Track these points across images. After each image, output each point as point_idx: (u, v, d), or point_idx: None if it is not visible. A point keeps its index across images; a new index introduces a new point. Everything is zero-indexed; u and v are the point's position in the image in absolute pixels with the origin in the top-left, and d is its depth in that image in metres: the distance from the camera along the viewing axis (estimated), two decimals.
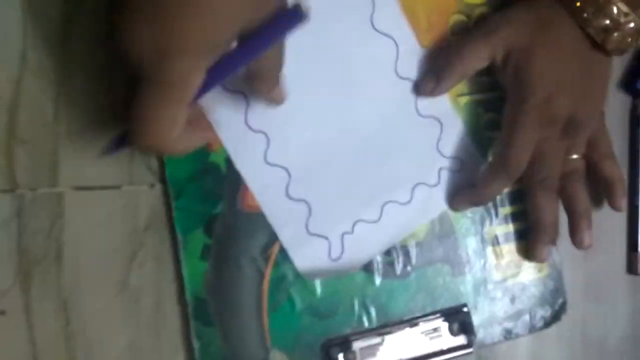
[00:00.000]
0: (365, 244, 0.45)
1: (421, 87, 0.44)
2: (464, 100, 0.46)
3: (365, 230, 0.44)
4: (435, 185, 0.45)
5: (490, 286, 0.46)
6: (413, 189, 0.45)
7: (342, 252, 0.44)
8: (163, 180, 0.42)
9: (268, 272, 0.43)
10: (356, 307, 0.44)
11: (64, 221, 0.40)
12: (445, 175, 0.45)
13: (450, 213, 0.46)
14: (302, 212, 0.43)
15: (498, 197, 0.46)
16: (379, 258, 0.46)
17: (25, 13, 0.40)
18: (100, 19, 0.40)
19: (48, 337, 0.40)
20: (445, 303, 0.46)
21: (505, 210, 0.47)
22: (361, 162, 0.44)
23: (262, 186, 0.42)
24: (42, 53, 0.40)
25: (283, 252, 0.43)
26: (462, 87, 0.46)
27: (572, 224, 0.46)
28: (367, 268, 0.45)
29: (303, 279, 0.44)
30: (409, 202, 0.45)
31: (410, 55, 0.44)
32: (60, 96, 0.40)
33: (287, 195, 0.43)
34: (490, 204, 0.46)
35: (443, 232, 0.46)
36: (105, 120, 0.41)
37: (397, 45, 0.44)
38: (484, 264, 0.47)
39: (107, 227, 0.41)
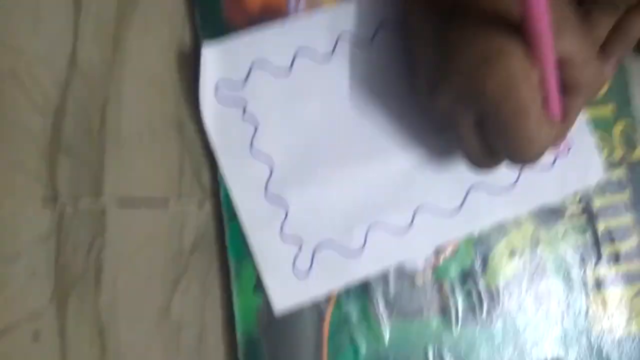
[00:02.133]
0: (343, 264, 0.36)
1: None
2: None
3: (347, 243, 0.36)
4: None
5: (590, 339, 0.37)
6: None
7: (311, 265, 0.37)
8: (214, 196, 0.37)
9: (329, 313, 0.37)
10: (431, 358, 0.36)
11: (105, 238, 0.36)
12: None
13: (543, 250, 0.39)
14: (279, 213, 0.37)
15: (601, 232, 0.39)
16: (458, 300, 0.37)
17: (78, 13, 0.37)
18: (154, 16, 0.37)
19: None
20: (536, 357, 0.37)
21: (609, 248, 0.38)
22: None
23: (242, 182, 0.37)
24: (92, 57, 0.36)
25: (347, 291, 0.37)
26: None
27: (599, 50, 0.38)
28: (444, 311, 0.37)
29: (368, 322, 0.36)
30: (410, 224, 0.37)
31: None
32: (110, 101, 0.36)
33: (266, 191, 0.37)
34: (591, 241, 0.39)
35: (535, 273, 0.38)
36: (155, 128, 0.37)
37: None
38: (585, 312, 0.38)
39: (150, 246, 0.36)
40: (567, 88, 0.32)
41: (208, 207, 0.37)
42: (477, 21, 0.30)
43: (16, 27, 0.37)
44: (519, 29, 0.29)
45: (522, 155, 0.30)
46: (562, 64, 0.30)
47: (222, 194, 0.37)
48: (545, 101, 0.31)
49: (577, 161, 0.38)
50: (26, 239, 0.36)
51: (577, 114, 0.33)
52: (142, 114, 0.37)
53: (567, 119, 0.33)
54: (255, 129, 0.37)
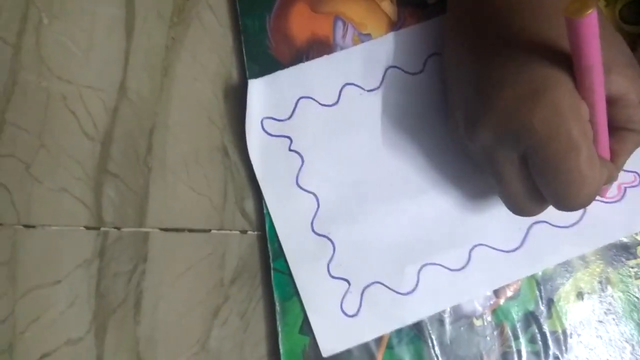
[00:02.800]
0: (395, 305, 0.34)
1: None
2: None
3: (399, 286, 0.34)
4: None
5: None
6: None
7: (360, 305, 0.34)
8: (257, 228, 0.35)
9: (380, 356, 0.34)
10: None
11: (146, 265, 0.35)
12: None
13: (612, 290, 0.35)
14: (326, 250, 0.35)
15: None
16: (521, 345, 0.34)
17: (129, 38, 0.37)
18: (202, 47, 0.37)
19: None
20: None
21: None
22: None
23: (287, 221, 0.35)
24: (142, 82, 0.36)
25: (399, 332, 0.34)
26: None
27: None
28: (506, 358, 0.33)
29: None
30: (466, 264, 0.34)
31: None
32: (157, 129, 0.36)
33: (312, 229, 0.35)
34: None
35: (604, 315, 0.33)
36: (200, 156, 0.36)
37: None
38: None
39: (191, 275, 0.35)
40: (617, 128, 0.29)
41: (251, 237, 0.35)
42: (522, 53, 0.27)
43: (69, 54, 0.37)
44: (567, 61, 0.26)
45: (572, 197, 0.27)
46: (613, 102, 0.28)
47: (267, 228, 0.35)
48: (594, 139, 0.28)
49: None
50: (69, 264, 0.35)
51: (627, 156, 0.30)
52: (188, 143, 0.36)
53: (617, 161, 0.30)
54: (302, 164, 0.36)
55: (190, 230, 0.35)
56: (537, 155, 0.27)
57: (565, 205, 0.27)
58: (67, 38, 0.37)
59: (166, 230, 0.35)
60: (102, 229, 0.35)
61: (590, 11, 0.23)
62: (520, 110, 0.26)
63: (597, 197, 0.34)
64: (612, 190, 0.35)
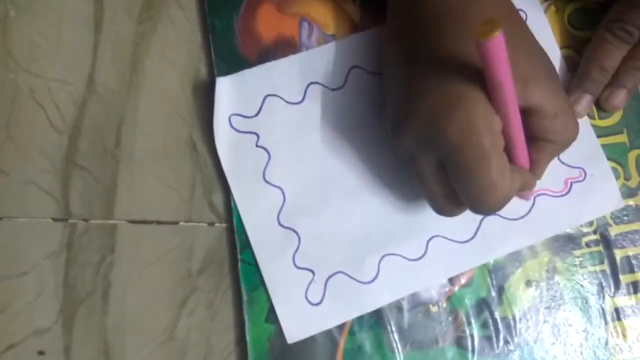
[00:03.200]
0: (357, 293, 0.35)
1: None
2: None
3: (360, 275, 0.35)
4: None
5: None
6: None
7: (324, 295, 0.36)
8: (225, 220, 0.36)
9: (342, 342, 0.35)
10: None
11: (114, 257, 0.35)
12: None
13: (560, 279, 0.37)
14: (291, 242, 0.36)
15: (619, 261, 0.37)
16: (474, 330, 0.36)
17: (97, 33, 0.37)
18: (171, 44, 0.37)
19: None
20: None
21: (628, 277, 0.36)
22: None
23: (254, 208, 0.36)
24: (110, 76, 0.36)
25: (360, 320, 0.35)
26: None
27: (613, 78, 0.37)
28: (460, 342, 0.35)
29: (383, 351, 0.35)
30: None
31: None
32: (125, 123, 0.36)
33: (278, 222, 0.36)
34: (608, 270, 0.38)
35: (552, 303, 0.36)
36: (168, 150, 0.36)
37: None
38: (603, 344, 0.35)
39: (159, 266, 0.35)
40: (535, 138, 0.31)
41: (218, 229, 0.36)
42: (442, 68, 0.29)
43: (37, 47, 0.37)
44: (481, 77, 0.27)
45: (483, 202, 0.28)
46: (531, 114, 0.29)
47: (234, 221, 0.36)
48: (510, 150, 0.30)
49: (594, 188, 0.37)
50: (36, 256, 0.35)
51: (546, 164, 0.32)
52: (156, 136, 0.36)
53: (535, 169, 0.32)
54: (268, 159, 0.37)
55: (158, 222, 0.36)
56: (451, 162, 0.28)
57: (478, 208, 0.29)
58: (34, 31, 0.37)
59: (134, 222, 0.36)
60: (70, 220, 0.35)
61: (496, 34, 0.24)
62: (437, 119, 0.28)
63: (534, 194, 0.37)
64: (559, 185, 0.37)
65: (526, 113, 0.29)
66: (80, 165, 0.36)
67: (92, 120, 0.36)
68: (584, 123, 0.38)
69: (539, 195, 0.37)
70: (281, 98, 0.37)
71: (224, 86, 0.37)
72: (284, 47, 0.38)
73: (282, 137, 0.37)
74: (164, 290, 0.35)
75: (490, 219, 0.37)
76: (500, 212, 0.36)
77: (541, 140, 0.31)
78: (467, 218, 0.36)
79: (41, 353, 0.34)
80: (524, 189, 0.32)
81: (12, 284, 0.35)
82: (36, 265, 0.35)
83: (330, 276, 0.36)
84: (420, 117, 0.29)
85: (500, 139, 0.28)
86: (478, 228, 0.36)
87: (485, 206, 0.29)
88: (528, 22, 0.38)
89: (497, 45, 0.24)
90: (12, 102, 0.36)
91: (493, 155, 0.28)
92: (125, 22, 0.37)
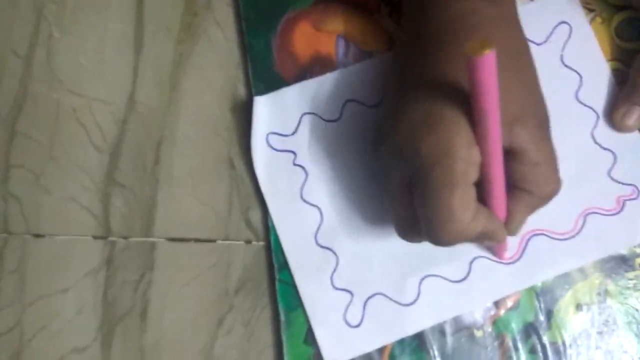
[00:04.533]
0: (397, 315, 0.34)
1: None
2: None
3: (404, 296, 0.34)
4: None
5: None
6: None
7: (363, 317, 0.34)
8: (262, 238, 0.35)
9: None
10: None
11: (153, 274, 0.34)
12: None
13: (612, 303, 0.35)
14: (329, 262, 0.35)
15: None
16: (522, 356, 0.33)
17: (138, 53, 0.37)
18: (209, 63, 0.37)
19: None
20: None
21: None
22: None
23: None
24: (150, 96, 0.36)
25: (401, 343, 0.34)
26: None
27: None
28: None
29: None
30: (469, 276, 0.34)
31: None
32: (164, 141, 0.36)
33: (316, 241, 0.35)
34: None
35: (604, 328, 0.33)
36: (206, 168, 0.36)
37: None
38: None
39: (197, 284, 0.34)
40: (513, 186, 0.28)
41: (256, 247, 0.35)
42: (432, 89, 0.27)
43: (80, 67, 0.37)
44: (469, 104, 0.25)
45: (437, 231, 0.26)
46: (514, 157, 0.27)
47: (272, 241, 0.35)
48: (486, 191, 0.27)
49: None
50: (77, 272, 0.35)
51: (522, 218, 0.29)
52: (195, 155, 0.36)
53: (510, 221, 0.29)
54: (305, 177, 0.36)
55: (196, 240, 0.35)
56: (418, 181, 0.26)
57: (431, 236, 0.27)
58: (77, 52, 0.38)
59: (172, 240, 0.35)
60: (110, 238, 0.35)
61: (487, 52, 0.22)
62: (415, 135, 0.26)
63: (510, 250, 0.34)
64: (611, 203, 0.35)
65: (509, 156, 0.27)
66: (120, 183, 0.36)
67: (132, 139, 0.36)
68: (635, 137, 0.36)
69: (590, 214, 0.35)
70: (318, 116, 0.37)
71: (262, 105, 0.37)
72: (321, 65, 0.37)
73: (320, 155, 0.36)
74: (202, 309, 0.34)
75: (537, 239, 0.35)
76: (548, 232, 0.35)
77: (519, 189, 0.28)
78: (514, 238, 0.35)
79: None
80: (490, 238, 0.29)
81: (52, 302, 0.35)
82: (77, 282, 0.35)
83: (369, 297, 0.34)
84: (401, 131, 0.27)
85: (473, 170, 0.26)
86: (524, 248, 0.35)
87: (440, 235, 0.26)
88: (572, 35, 0.37)
89: (487, 65, 0.22)
90: (55, 121, 0.37)
91: (460, 184, 0.25)
92: (165, 42, 0.37)
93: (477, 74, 0.23)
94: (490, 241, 0.29)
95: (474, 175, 0.26)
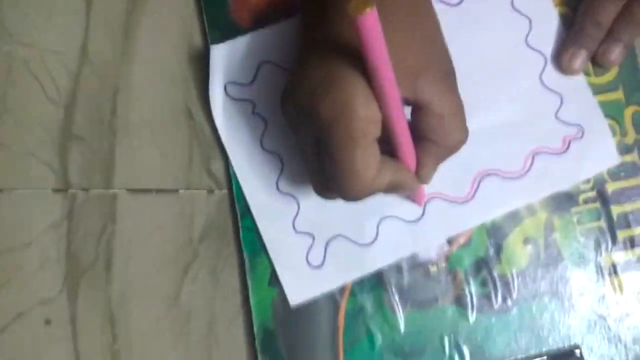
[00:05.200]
0: (356, 255, 0.35)
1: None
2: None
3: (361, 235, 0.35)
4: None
5: (607, 324, 0.35)
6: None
7: (324, 258, 0.35)
8: (224, 187, 0.35)
9: (344, 303, 0.35)
10: (447, 347, 0.35)
11: (115, 226, 0.34)
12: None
13: (558, 237, 0.37)
14: (290, 208, 0.35)
15: (616, 217, 0.38)
16: (473, 289, 0.35)
17: (89, 5, 0.35)
18: (163, 11, 0.36)
19: (94, 353, 0.34)
20: (553, 344, 0.35)
21: (625, 233, 0.36)
22: None
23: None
24: (103, 46, 0.35)
25: (361, 282, 0.35)
26: None
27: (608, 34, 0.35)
28: (459, 301, 0.35)
29: (384, 311, 0.34)
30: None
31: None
32: (120, 92, 0.35)
33: (277, 188, 0.35)
34: (605, 226, 0.38)
35: (549, 260, 0.35)
36: (164, 118, 0.36)
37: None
38: (600, 298, 0.35)
39: (160, 234, 0.34)
40: (421, 137, 0.28)
41: (218, 195, 0.35)
42: (331, 44, 0.27)
43: (29, 19, 0.36)
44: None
45: (344, 188, 0.27)
46: (418, 109, 0.27)
47: (234, 189, 0.35)
48: (393, 144, 0.28)
49: (592, 145, 0.36)
50: (38, 227, 0.34)
51: (432, 167, 0.30)
52: (152, 104, 0.35)
53: (420, 170, 0.30)
54: (265, 127, 0.36)
55: (158, 191, 0.36)
56: (321, 141, 0.27)
57: (339, 193, 0.28)
58: (25, 2, 0.36)
59: (133, 191, 0.35)
60: (70, 191, 0.35)
61: (367, 10, 0.21)
62: (314, 93, 0.26)
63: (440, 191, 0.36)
64: (557, 143, 0.37)
65: (414, 108, 0.28)
66: (78, 135, 0.35)
67: (87, 90, 0.35)
68: (581, 80, 0.37)
69: (538, 153, 0.37)
70: (276, 64, 0.37)
71: (219, 54, 0.36)
72: (278, 10, 0.37)
73: (278, 104, 0.36)
74: (166, 258, 0.35)
75: (489, 179, 0.36)
76: (499, 171, 0.36)
77: (426, 140, 0.28)
78: (465, 179, 0.36)
79: (47, 322, 0.34)
80: (400, 188, 0.29)
81: (15, 256, 0.35)
82: (38, 236, 0.35)
83: (330, 239, 0.36)
84: (301, 91, 0.27)
85: (373, 127, 0.26)
86: (477, 188, 0.36)
87: (345, 193, 0.27)
88: None
89: (369, 23, 0.22)
90: (7, 74, 0.36)
91: (360, 142, 0.26)
92: None
93: (361, 32, 0.23)
94: (401, 191, 0.30)
95: (374, 132, 0.26)
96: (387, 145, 0.28)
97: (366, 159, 0.26)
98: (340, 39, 0.27)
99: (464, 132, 0.29)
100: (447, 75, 0.29)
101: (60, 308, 0.34)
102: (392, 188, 0.29)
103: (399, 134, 0.27)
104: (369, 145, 0.26)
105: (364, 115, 0.26)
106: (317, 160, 0.28)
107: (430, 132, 0.28)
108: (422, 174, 0.30)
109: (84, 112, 0.35)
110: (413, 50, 0.27)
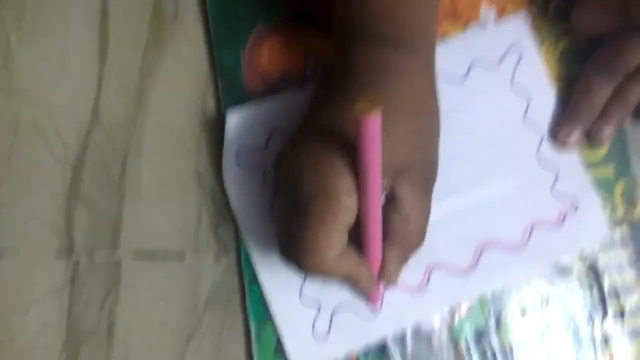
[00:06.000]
0: (361, 325, 0.35)
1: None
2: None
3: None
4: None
5: None
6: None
7: (330, 328, 0.35)
8: (231, 251, 0.35)
9: None
10: None
11: (119, 291, 0.33)
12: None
13: (553, 308, 0.37)
14: (297, 275, 0.35)
15: (607, 288, 0.39)
16: (474, 358, 0.36)
17: (102, 64, 0.35)
18: (177, 75, 0.36)
19: None
20: None
21: (615, 304, 0.37)
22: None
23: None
24: (115, 106, 0.35)
25: (365, 353, 0.35)
26: None
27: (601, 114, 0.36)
28: None
29: None
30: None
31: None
32: (130, 153, 0.34)
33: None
34: (597, 297, 0.39)
35: (545, 331, 0.36)
36: (175, 182, 0.35)
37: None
38: None
39: (164, 300, 0.34)
40: (387, 233, 0.29)
41: (224, 262, 0.35)
42: (327, 130, 0.28)
43: (40, 76, 0.35)
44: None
45: (300, 258, 0.28)
46: (391, 204, 0.28)
47: (242, 255, 0.35)
48: (363, 240, 0.28)
49: (584, 220, 0.37)
50: (39, 290, 0.33)
51: (395, 267, 0.30)
52: (162, 168, 0.35)
53: (384, 269, 0.30)
54: (274, 196, 0.36)
55: (164, 256, 0.35)
56: (295, 212, 0.27)
57: (297, 262, 0.28)
58: (38, 60, 0.36)
59: (139, 255, 0.34)
60: (74, 255, 0.34)
61: (374, 112, 0.22)
62: (302, 171, 0.27)
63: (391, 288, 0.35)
64: (553, 216, 0.38)
65: (388, 202, 0.28)
66: (84, 198, 0.34)
67: (97, 151, 0.34)
68: (574, 157, 0.39)
69: (536, 227, 0.38)
70: (288, 131, 0.37)
71: (234, 119, 0.36)
72: (291, 80, 0.37)
73: None
74: (170, 326, 0.33)
75: (490, 250, 0.37)
76: (499, 242, 0.37)
77: (391, 238, 0.29)
78: (467, 249, 0.37)
79: None
80: (356, 283, 0.30)
81: (14, 321, 0.33)
82: (39, 301, 0.33)
83: (335, 310, 0.35)
84: (293, 164, 0.28)
85: (348, 217, 0.27)
86: (478, 259, 0.37)
87: (302, 264, 0.28)
88: (522, 59, 0.39)
89: (371, 125, 0.23)
90: (14, 133, 0.35)
91: (330, 224, 0.26)
92: (131, 52, 0.36)
93: (360, 132, 0.23)
94: (357, 286, 0.30)
95: (347, 222, 0.27)
96: (357, 241, 0.29)
97: (331, 241, 0.27)
98: (342, 128, 0.27)
99: (422, 238, 0.30)
100: (427, 180, 0.29)
101: None
102: (348, 279, 0.29)
103: (371, 232, 0.28)
104: (338, 231, 0.27)
105: (342, 204, 0.26)
106: (288, 227, 0.28)
107: (392, 228, 0.29)
108: (385, 272, 0.30)
109: (93, 173, 0.34)
110: (405, 149, 0.27)
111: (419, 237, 0.30)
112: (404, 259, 0.30)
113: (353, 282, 0.30)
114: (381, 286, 0.33)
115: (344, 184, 0.26)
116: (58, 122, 0.34)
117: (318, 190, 0.26)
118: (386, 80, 0.28)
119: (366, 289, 0.31)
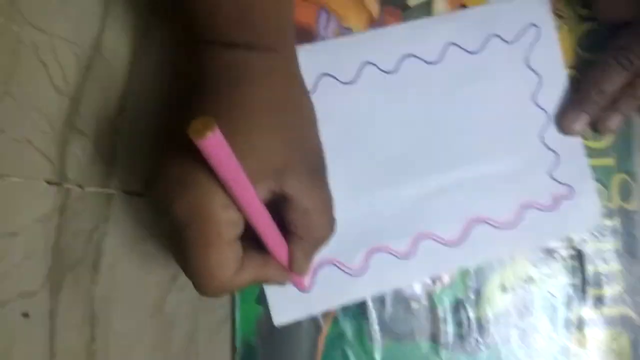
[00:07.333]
0: (344, 284, 0.35)
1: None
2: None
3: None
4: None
5: None
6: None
7: (313, 283, 0.35)
8: None
9: (326, 327, 0.35)
10: None
11: (108, 226, 0.33)
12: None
13: (533, 288, 0.37)
14: None
15: (589, 275, 0.39)
16: (449, 328, 0.36)
17: None
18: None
19: (70, 351, 0.32)
20: None
21: (595, 292, 0.37)
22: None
23: None
24: (119, 42, 0.33)
25: (345, 309, 0.35)
26: None
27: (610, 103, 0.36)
28: (435, 338, 0.35)
29: (362, 340, 0.35)
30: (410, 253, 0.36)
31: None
32: (129, 91, 0.33)
33: None
34: (579, 283, 0.39)
35: (523, 308, 0.36)
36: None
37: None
38: (564, 350, 0.36)
39: (153, 240, 0.33)
40: (288, 230, 0.28)
41: None
42: (189, 144, 0.25)
43: (44, 3, 0.34)
44: None
45: (198, 287, 0.26)
46: (286, 204, 0.27)
47: None
48: (262, 241, 0.27)
49: (579, 206, 0.37)
50: (27, 217, 0.32)
51: (303, 259, 0.29)
52: (161, 108, 0.34)
53: (292, 263, 0.29)
54: None
55: None
56: (175, 240, 0.26)
57: (197, 290, 0.27)
58: None
59: (130, 193, 0.34)
60: (65, 185, 0.34)
61: (209, 133, 0.21)
62: (168, 195, 0.26)
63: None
64: (548, 200, 0.37)
65: (282, 202, 0.27)
66: (80, 130, 0.34)
67: (96, 85, 0.34)
68: (578, 143, 0.38)
69: (528, 207, 0.37)
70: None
71: None
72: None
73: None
74: (156, 264, 0.34)
75: (480, 226, 0.37)
76: (491, 219, 0.37)
77: (292, 234, 0.28)
78: (457, 223, 0.36)
79: (25, 315, 0.33)
80: (268, 282, 0.29)
81: (1, 243, 0.33)
82: (27, 227, 0.33)
83: (320, 265, 0.35)
84: (158, 188, 0.27)
85: (232, 228, 0.26)
86: (467, 234, 0.37)
87: (202, 292, 0.27)
88: (540, 39, 0.38)
89: (214, 145, 0.21)
90: (13, 56, 0.33)
91: (214, 244, 0.25)
92: None
93: (205, 153, 0.22)
94: (271, 283, 0.30)
95: (232, 233, 0.26)
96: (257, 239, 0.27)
97: (221, 259, 0.26)
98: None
99: (329, 228, 0.29)
100: (314, 170, 0.28)
101: (41, 302, 0.32)
102: (258, 282, 0.28)
103: (263, 233, 0.27)
104: (224, 246, 0.26)
105: (220, 218, 0.25)
106: (175, 255, 0.28)
107: (295, 226, 0.28)
108: (294, 267, 0.30)
109: (90, 107, 0.33)
110: (279, 150, 0.26)
111: (325, 228, 0.29)
112: (312, 251, 0.29)
113: (264, 281, 0.29)
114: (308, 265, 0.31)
115: (216, 200, 0.25)
116: (59, 50, 0.33)
117: (192, 215, 0.25)
118: (241, 85, 0.27)
119: (280, 283, 0.30)
